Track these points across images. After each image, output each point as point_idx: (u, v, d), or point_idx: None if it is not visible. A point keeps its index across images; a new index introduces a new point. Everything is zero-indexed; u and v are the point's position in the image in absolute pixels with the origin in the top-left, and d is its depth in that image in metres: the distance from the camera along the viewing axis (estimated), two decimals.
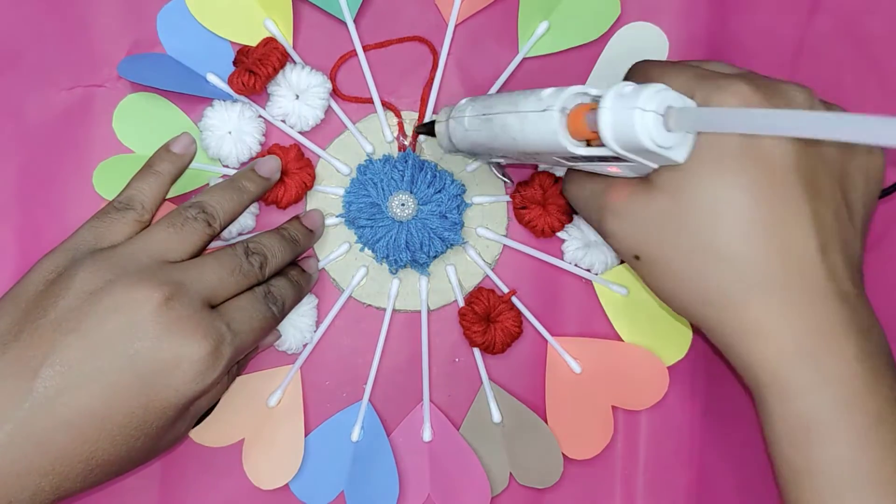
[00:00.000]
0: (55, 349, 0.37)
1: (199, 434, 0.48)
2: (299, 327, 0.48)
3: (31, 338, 0.38)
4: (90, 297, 0.38)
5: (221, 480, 0.49)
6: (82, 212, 0.43)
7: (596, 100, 0.36)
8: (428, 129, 0.47)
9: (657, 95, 0.34)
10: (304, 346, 0.49)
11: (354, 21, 0.49)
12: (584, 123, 0.36)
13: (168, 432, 0.41)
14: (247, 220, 0.48)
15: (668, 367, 0.49)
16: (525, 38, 0.49)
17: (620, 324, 0.50)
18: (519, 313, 0.49)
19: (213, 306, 0.41)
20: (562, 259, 0.50)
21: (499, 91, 0.50)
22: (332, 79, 0.49)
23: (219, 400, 0.45)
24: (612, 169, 0.39)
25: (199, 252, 0.43)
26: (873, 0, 0.50)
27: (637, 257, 0.39)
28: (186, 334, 0.38)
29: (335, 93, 0.49)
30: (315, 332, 0.49)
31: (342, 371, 0.50)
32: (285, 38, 0.49)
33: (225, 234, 0.47)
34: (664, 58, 0.49)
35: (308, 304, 0.48)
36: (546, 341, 0.50)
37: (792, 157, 0.36)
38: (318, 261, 0.49)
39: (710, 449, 0.50)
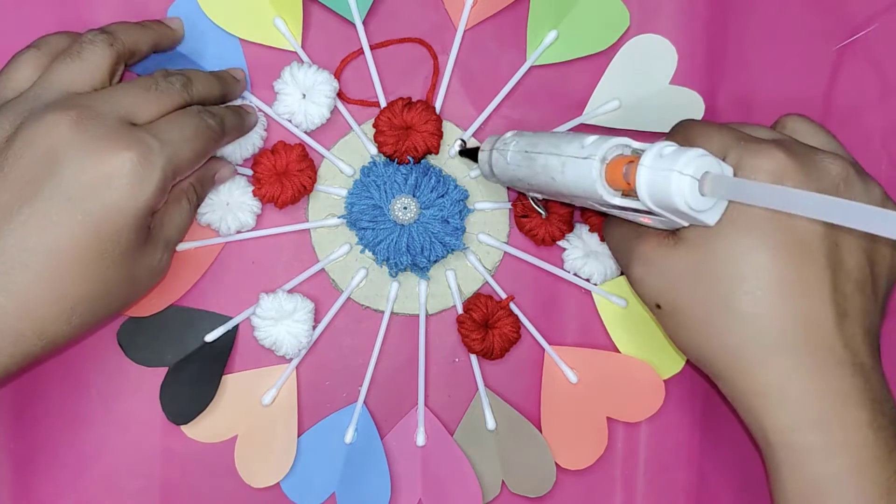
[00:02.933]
0: None
1: (193, 429, 0.48)
2: (295, 333, 0.48)
3: None
4: (6, 144, 0.38)
5: (213, 477, 0.49)
6: None
7: (637, 153, 0.37)
8: (470, 153, 0.48)
9: (696, 160, 0.35)
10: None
11: (363, 22, 0.49)
12: (622, 176, 0.36)
13: (137, 258, 0.40)
14: (246, 218, 0.48)
15: (665, 380, 0.49)
16: (533, 47, 0.50)
17: (618, 335, 0.50)
18: (517, 319, 0.49)
19: (133, 124, 0.40)
20: (562, 268, 0.50)
21: (543, 133, 0.50)
22: (338, 79, 0.49)
23: (213, 398, 0.45)
24: (645, 220, 0.39)
25: (112, 80, 0.42)
26: (873, 0, 0.51)
27: (659, 306, 0.39)
28: (107, 149, 0.37)
29: (340, 96, 0.49)
30: (311, 335, 0.49)
31: (338, 372, 0.50)
32: (294, 37, 0.49)
33: (223, 229, 0.47)
34: (671, 75, 0.49)
35: (304, 310, 0.48)
36: (543, 349, 0.49)
37: (820, 226, 0.37)
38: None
39: (708, 463, 0.50)
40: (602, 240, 0.49)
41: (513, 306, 0.49)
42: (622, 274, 0.49)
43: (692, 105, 0.49)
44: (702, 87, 0.50)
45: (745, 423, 0.39)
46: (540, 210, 0.47)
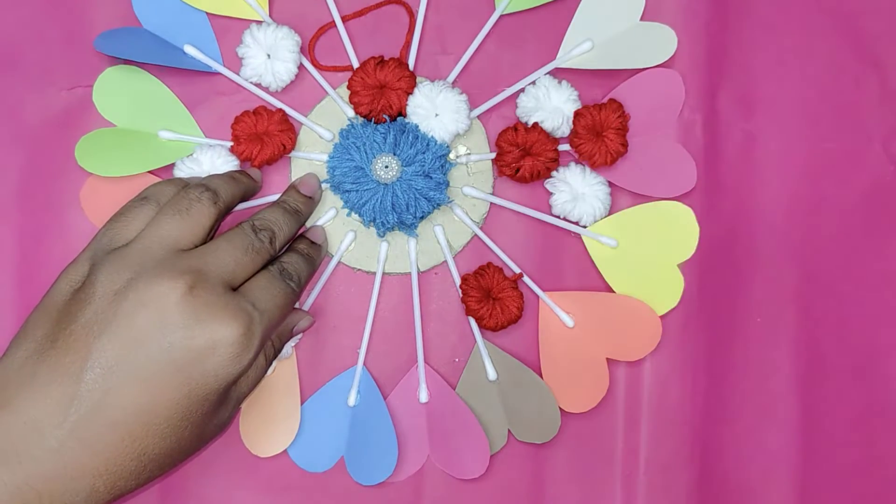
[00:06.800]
0: (92, 353, 0.38)
1: None
2: None
3: (66, 344, 0.38)
4: (115, 297, 0.39)
5: (219, 449, 0.49)
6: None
7: None
8: None
9: None
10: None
11: None
12: None
13: (212, 418, 0.41)
14: None
15: (661, 317, 0.49)
16: None
17: (611, 275, 0.50)
18: (521, 295, 0.49)
19: (233, 288, 0.41)
20: (549, 213, 0.50)
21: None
22: (311, 49, 0.49)
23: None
24: None
25: (210, 234, 0.43)
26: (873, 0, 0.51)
27: None
28: (216, 318, 0.39)
29: (313, 63, 0.49)
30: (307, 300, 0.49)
31: (335, 336, 0.50)
32: (261, 6, 0.49)
33: None
34: (641, 10, 0.49)
35: None
36: (538, 297, 0.49)
37: None
38: (324, 231, 0.49)
39: (712, 394, 0.50)
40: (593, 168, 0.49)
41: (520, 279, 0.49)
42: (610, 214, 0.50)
43: (664, 39, 0.49)
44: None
45: None
46: None
